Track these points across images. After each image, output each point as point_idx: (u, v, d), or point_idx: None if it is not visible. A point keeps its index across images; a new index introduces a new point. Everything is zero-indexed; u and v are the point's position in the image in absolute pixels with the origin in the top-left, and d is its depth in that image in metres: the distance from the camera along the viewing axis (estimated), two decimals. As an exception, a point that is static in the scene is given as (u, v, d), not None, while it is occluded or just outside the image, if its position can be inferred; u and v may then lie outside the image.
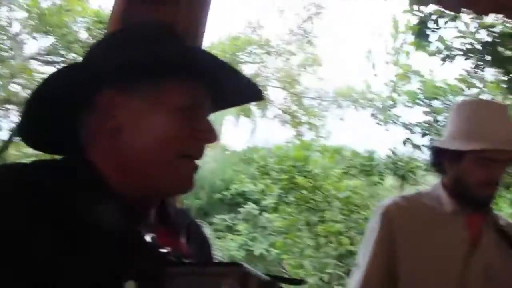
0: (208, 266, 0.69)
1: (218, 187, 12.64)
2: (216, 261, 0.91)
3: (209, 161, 12.01)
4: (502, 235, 1.69)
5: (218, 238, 11.85)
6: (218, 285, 0.64)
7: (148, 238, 0.79)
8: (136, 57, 0.82)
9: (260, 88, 0.93)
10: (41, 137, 0.88)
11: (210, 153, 16.37)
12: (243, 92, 0.92)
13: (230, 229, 12.13)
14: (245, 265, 0.66)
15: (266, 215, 10.12)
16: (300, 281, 0.77)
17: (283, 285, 0.77)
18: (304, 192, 7.77)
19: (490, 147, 1.60)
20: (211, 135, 0.85)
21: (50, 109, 0.83)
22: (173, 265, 0.71)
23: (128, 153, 0.82)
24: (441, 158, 1.72)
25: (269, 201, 8.81)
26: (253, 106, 12.09)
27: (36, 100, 0.83)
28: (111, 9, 1.61)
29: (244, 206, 11.09)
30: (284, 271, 10.47)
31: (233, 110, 12.24)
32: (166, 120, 0.82)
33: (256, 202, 11.16)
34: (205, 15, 1.65)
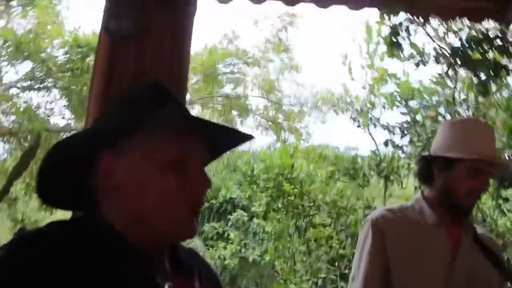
0: None
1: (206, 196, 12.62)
2: None
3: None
4: (478, 243, 1.81)
5: (211, 246, 11.87)
6: None
7: (166, 287, 0.86)
8: (122, 119, 0.90)
9: (245, 133, 1.01)
10: (55, 196, 0.97)
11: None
12: (231, 137, 1.00)
13: (221, 236, 12.13)
14: None
15: (256, 220, 10.16)
16: None
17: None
18: (292, 198, 7.85)
19: (483, 157, 1.71)
20: (204, 183, 0.92)
21: (60, 173, 0.92)
22: None
23: (131, 209, 0.89)
24: (430, 167, 1.82)
25: (258, 209, 8.87)
26: (235, 114, 12.14)
27: (47, 164, 0.92)
28: (96, 44, 1.59)
29: (233, 213, 11.10)
30: (278, 275, 10.55)
31: (216, 116, 12.27)
32: (159, 174, 0.89)
33: (245, 208, 11.20)
34: (188, 44, 1.63)
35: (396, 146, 6.54)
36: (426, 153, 1.94)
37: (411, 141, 6.03)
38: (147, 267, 0.88)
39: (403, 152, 6.58)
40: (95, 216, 0.92)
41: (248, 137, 1.01)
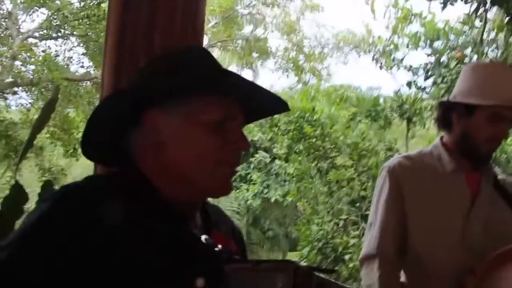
0: (261, 262, 0.77)
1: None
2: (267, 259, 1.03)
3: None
4: (500, 191, 1.79)
5: (235, 188, 12.13)
6: (273, 279, 0.72)
7: (203, 239, 0.92)
8: (172, 79, 0.95)
9: (284, 101, 1.05)
10: (97, 151, 1.03)
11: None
12: (270, 105, 1.05)
13: (244, 178, 12.36)
14: (294, 261, 0.75)
15: (278, 162, 10.28)
16: (333, 271, 0.87)
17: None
18: (313, 140, 7.87)
19: (503, 103, 1.66)
20: (243, 144, 0.97)
21: (104, 128, 0.98)
22: (229, 262, 0.79)
23: (172, 165, 0.94)
24: (450, 113, 1.77)
25: (279, 151, 8.94)
26: (255, 56, 11.97)
27: (93, 120, 0.97)
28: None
29: (255, 155, 11.22)
30: (300, 215, 10.78)
31: (235, 60, 12.14)
32: (202, 134, 0.94)
33: (267, 150, 11.30)
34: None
35: (419, 88, 6.40)
36: (445, 99, 1.88)
37: (434, 83, 5.87)
38: (182, 221, 0.95)
39: (426, 94, 6.44)
40: (133, 171, 0.97)
41: (286, 108, 1.06)
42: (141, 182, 0.95)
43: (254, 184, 11.40)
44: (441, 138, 1.86)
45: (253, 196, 11.46)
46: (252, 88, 0.97)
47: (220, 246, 0.92)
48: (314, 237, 7.20)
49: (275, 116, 8.66)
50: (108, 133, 0.98)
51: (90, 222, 0.84)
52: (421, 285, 1.75)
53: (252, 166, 11.59)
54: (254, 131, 12.24)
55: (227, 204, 11.71)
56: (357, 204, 6.74)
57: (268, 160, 10.97)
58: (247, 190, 11.53)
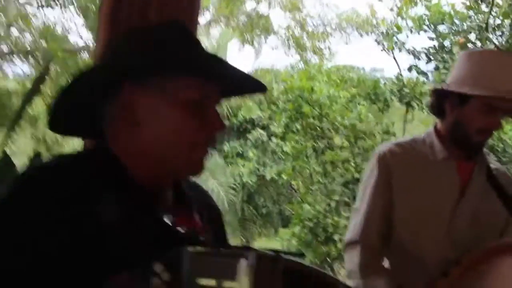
0: (223, 247, 0.76)
1: (226, 114, 12.76)
2: (229, 243, 1.01)
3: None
4: (492, 181, 1.77)
5: (231, 164, 12.17)
6: (234, 265, 0.71)
7: (167, 220, 0.90)
8: (150, 57, 0.92)
9: (261, 82, 1.03)
10: (69, 123, 1.00)
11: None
12: (246, 84, 1.03)
13: (241, 155, 12.40)
14: (254, 247, 0.75)
15: (274, 140, 10.28)
16: (301, 254, 0.87)
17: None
18: (311, 120, 7.85)
19: (496, 94, 1.63)
20: (219, 125, 0.95)
21: (77, 101, 0.94)
22: (192, 245, 0.77)
23: (146, 145, 0.93)
24: (443, 101, 1.75)
25: (277, 129, 8.93)
26: (257, 33, 11.84)
27: (65, 93, 0.94)
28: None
29: (252, 132, 11.22)
30: (294, 194, 10.84)
31: (237, 34, 12.01)
32: (179, 114, 0.92)
33: (264, 128, 11.30)
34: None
35: (420, 72, 6.35)
36: (439, 86, 1.85)
37: (436, 68, 5.82)
38: (150, 199, 0.93)
39: (427, 78, 6.39)
40: (103, 149, 0.95)
41: (263, 88, 1.04)
42: (110, 161, 0.92)
43: (250, 161, 11.42)
44: (435, 125, 1.84)
45: (248, 173, 11.50)
46: (230, 69, 0.94)
47: (185, 228, 0.90)
48: (305, 216, 7.24)
49: (274, 94, 8.64)
50: (81, 107, 0.95)
51: (58, 202, 0.82)
52: (404, 273, 1.74)
53: (249, 143, 11.61)
54: (252, 109, 12.22)
55: (223, 179, 11.79)
56: (350, 186, 6.75)
57: (265, 138, 10.97)
58: (243, 166, 11.57)
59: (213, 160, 11.92)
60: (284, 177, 9.52)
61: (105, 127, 0.95)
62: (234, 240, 12.56)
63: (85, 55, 8.86)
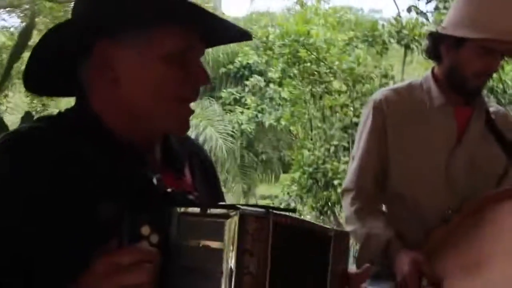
0: (212, 206, 0.75)
1: (223, 61, 12.56)
2: (218, 202, 0.97)
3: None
4: (490, 126, 1.75)
5: (229, 111, 12.12)
6: (221, 225, 0.71)
7: (154, 179, 0.87)
8: (124, 7, 0.85)
9: (245, 30, 0.98)
10: (43, 83, 0.96)
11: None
12: (230, 32, 0.97)
13: (238, 102, 12.32)
14: (245, 206, 0.73)
15: (272, 86, 10.18)
16: (293, 210, 0.86)
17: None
18: (308, 64, 7.73)
19: (493, 36, 1.58)
20: (203, 78, 0.90)
21: (51, 60, 0.89)
22: (180, 205, 0.77)
23: (127, 101, 0.88)
24: (439, 45, 1.70)
25: (274, 74, 8.82)
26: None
27: (38, 52, 0.89)
28: None
29: (250, 78, 11.09)
30: (294, 140, 10.87)
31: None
32: (161, 67, 0.86)
33: (262, 73, 11.15)
34: None
35: (420, 13, 6.16)
36: (434, 29, 1.78)
37: (436, 8, 5.65)
38: (135, 159, 0.89)
39: (427, 19, 6.21)
40: (83, 108, 0.90)
41: (247, 37, 0.98)
42: (91, 120, 0.88)
43: (248, 108, 11.36)
44: (433, 69, 1.79)
45: (247, 120, 11.47)
46: (212, 16, 0.88)
47: (172, 188, 0.87)
48: (305, 162, 7.28)
49: (270, 39, 8.44)
50: (56, 66, 0.90)
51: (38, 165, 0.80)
52: (401, 222, 1.75)
53: (246, 89, 11.49)
54: (249, 54, 12.00)
55: (221, 127, 11.79)
56: (349, 131, 6.74)
57: (262, 84, 10.85)
58: (242, 113, 11.52)
59: (211, 107, 11.86)
60: (283, 123, 9.52)
61: (84, 85, 0.90)
62: (236, 187, 12.78)
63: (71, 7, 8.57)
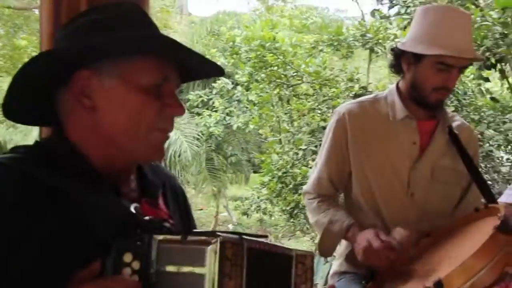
0: (189, 234, 0.79)
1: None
2: (192, 230, 1.02)
3: (176, 35, 11.65)
4: (454, 140, 1.80)
5: (197, 114, 12.03)
6: (202, 252, 0.75)
7: (132, 208, 0.89)
8: (102, 40, 0.88)
9: (218, 65, 1.02)
10: (22, 112, 0.97)
11: (177, 26, 15.73)
12: (205, 67, 1.01)
13: (206, 104, 12.24)
14: (220, 232, 0.77)
15: (240, 89, 10.17)
16: (265, 236, 0.91)
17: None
18: (275, 68, 7.76)
19: (450, 53, 1.64)
20: (178, 110, 0.93)
21: (31, 88, 0.91)
22: (157, 233, 0.80)
23: (104, 129, 0.90)
24: (400, 59, 1.76)
25: (241, 78, 8.82)
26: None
27: (18, 81, 0.90)
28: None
29: (217, 81, 11.04)
30: (262, 140, 10.89)
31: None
32: (138, 98, 0.89)
33: (229, 76, 11.11)
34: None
35: (383, 17, 6.26)
36: (394, 45, 1.85)
37: (398, 13, 5.74)
38: (112, 189, 0.91)
39: (390, 23, 6.33)
40: (60, 137, 0.92)
41: (220, 72, 1.03)
42: (68, 150, 0.90)
43: (216, 111, 11.31)
44: (397, 83, 1.84)
45: (215, 123, 11.42)
46: (187, 51, 0.92)
47: (150, 216, 0.90)
48: (274, 166, 7.32)
49: (236, 43, 8.44)
50: (35, 95, 0.92)
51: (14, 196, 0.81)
52: (364, 228, 1.74)
53: (214, 91, 11.42)
54: (216, 57, 11.94)
55: (189, 131, 11.68)
56: (317, 134, 6.79)
57: (230, 86, 10.82)
58: (210, 116, 11.45)
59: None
60: (251, 126, 9.53)
61: (61, 114, 0.92)
62: (206, 188, 12.71)
63: (31, 13, 8.37)
